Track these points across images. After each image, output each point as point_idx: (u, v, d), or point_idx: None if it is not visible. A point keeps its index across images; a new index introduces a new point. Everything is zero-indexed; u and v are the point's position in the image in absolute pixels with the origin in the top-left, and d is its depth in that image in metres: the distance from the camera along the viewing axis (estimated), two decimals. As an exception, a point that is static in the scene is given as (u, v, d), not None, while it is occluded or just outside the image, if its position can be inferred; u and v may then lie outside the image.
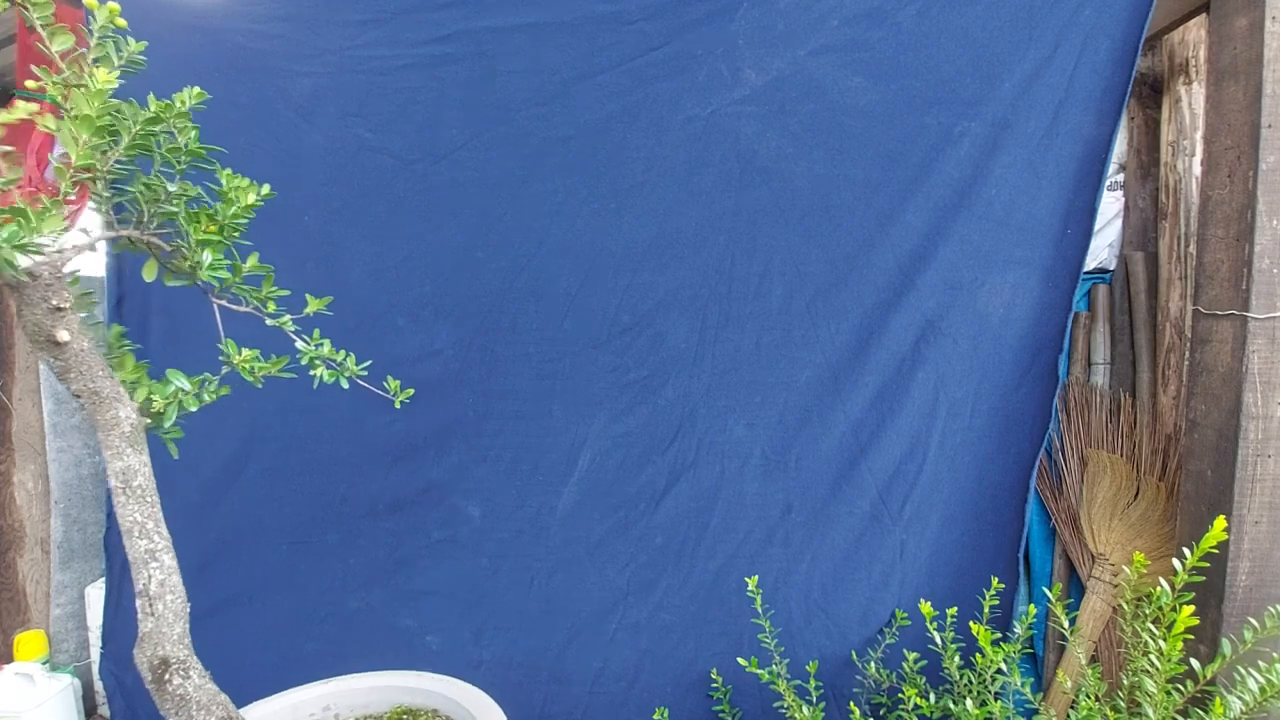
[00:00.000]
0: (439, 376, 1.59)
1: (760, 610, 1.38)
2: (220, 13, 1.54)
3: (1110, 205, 1.56)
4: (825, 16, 1.43)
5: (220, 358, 0.90)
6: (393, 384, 0.97)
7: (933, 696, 1.24)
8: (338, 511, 1.63)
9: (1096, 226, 1.48)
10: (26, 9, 0.61)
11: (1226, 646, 1.00)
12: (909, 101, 1.42)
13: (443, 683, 1.16)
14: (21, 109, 0.64)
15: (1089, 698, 1.14)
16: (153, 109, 0.76)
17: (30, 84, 0.70)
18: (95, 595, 1.94)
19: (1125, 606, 1.15)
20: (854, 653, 1.49)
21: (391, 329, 1.59)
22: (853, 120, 1.44)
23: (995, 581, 1.33)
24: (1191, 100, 1.46)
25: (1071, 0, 1.34)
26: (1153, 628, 1.03)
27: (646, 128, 1.50)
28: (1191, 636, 1.01)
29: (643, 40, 1.49)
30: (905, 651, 1.37)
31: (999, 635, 1.29)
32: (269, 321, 0.90)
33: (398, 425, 1.59)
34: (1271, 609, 0.99)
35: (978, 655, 1.20)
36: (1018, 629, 1.30)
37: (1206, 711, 0.95)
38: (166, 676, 0.82)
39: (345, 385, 0.95)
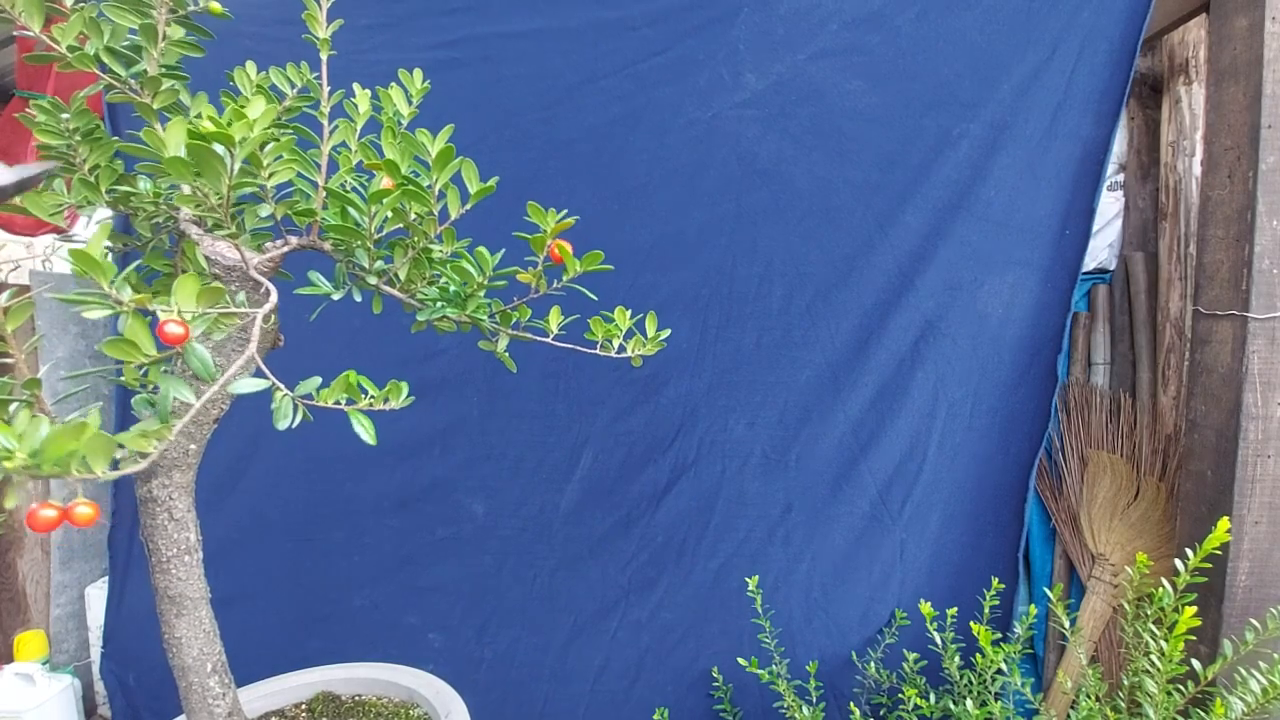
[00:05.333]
0: (444, 375, 1.60)
1: (760, 610, 1.38)
2: (232, 14, 1.56)
3: (1110, 205, 1.57)
4: (824, 21, 1.45)
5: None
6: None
7: (933, 697, 1.24)
8: (343, 509, 1.64)
9: (1097, 227, 1.48)
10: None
11: (1227, 647, 1.00)
12: (908, 104, 1.43)
13: (373, 669, 1.15)
14: None
15: (1089, 698, 1.13)
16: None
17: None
18: (95, 595, 1.94)
19: (1127, 607, 1.15)
20: (854, 653, 1.49)
21: (396, 328, 1.60)
22: (852, 123, 1.45)
23: (995, 582, 1.33)
24: (1191, 100, 1.47)
25: (1069, 3, 1.35)
26: (1154, 628, 1.03)
27: (649, 131, 1.52)
28: (1193, 637, 1.01)
29: (645, 45, 1.51)
30: (905, 652, 1.37)
31: (999, 635, 1.29)
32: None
33: (403, 423, 1.60)
34: (1272, 610, 0.99)
35: (978, 655, 1.20)
36: (1018, 629, 1.29)
37: (1207, 712, 0.95)
38: None
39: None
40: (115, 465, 0.51)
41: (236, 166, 0.55)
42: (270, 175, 0.61)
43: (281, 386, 0.63)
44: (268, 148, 0.59)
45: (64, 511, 0.52)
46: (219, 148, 0.53)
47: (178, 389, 0.57)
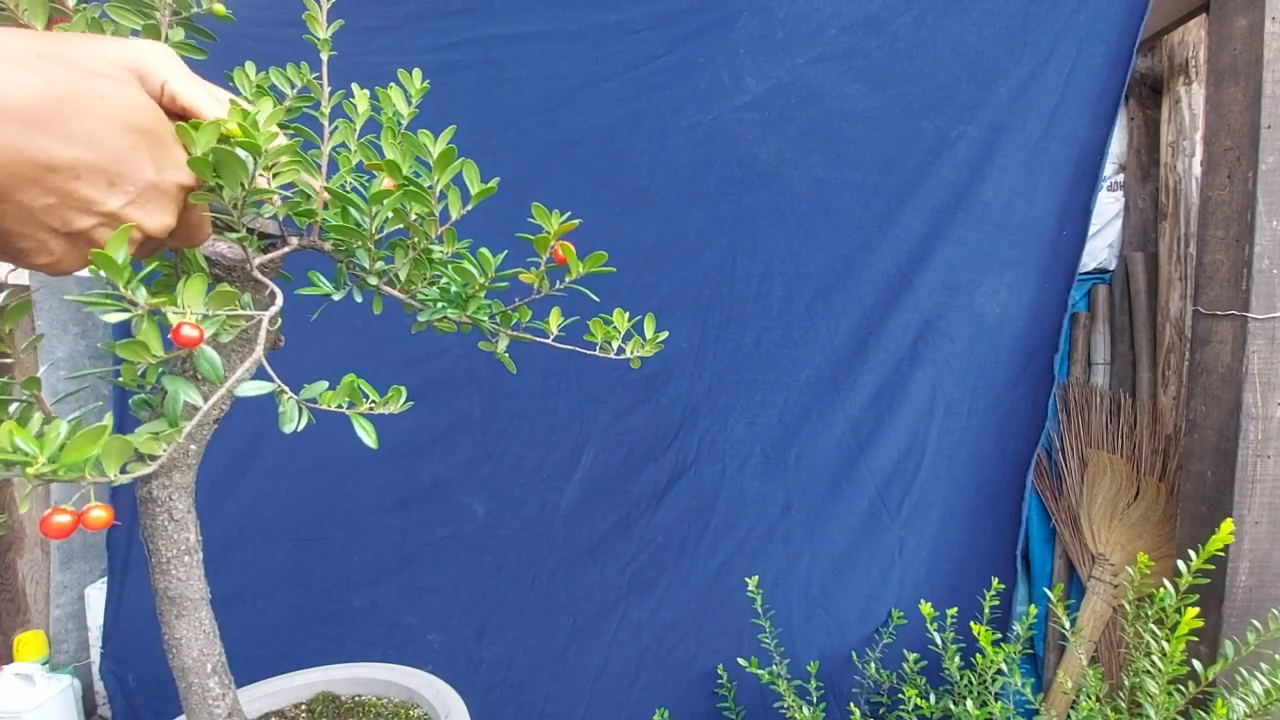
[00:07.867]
0: (446, 375, 1.60)
1: (760, 611, 1.38)
2: (235, 15, 1.57)
3: (1110, 206, 1.57)
4: (823, 25, 1.45)
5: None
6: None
7: (933, 697, 1.24)
8: (344, 509, 1.64)
9: (1097, 227, 1.48)
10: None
11: (1229, 648, 1.00)
12: (906, 107, 1.43)
13: (373, 669, 1.16)
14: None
15: (1089, 698, 1.13)
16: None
17: None
18: (95, 595, 1.94)
19: (1128, 607, 1.15)
20: (854, 653, 1.49)
21: (400, 329, 1.61)
22: (851, 126, 1.46)
23: (995, 581, 1.33)
24: (1191, 100, 1.47)
25: (1067, 5, 1.36)
26: (1155, 629, 1.03)
27: (650, 133, 1.52)
28: (1194, 638, 1.01)
29: (646, 49, 1.51)
30: (905, 652, 1.37)
31: (999, 635, 1.29)
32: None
33: (405, 422, 1.59)
34: (1273, 610, 0.99)
35: (978, 655, 1.20)
36: (1018, 629, 1.29)
37: (1208, 712, 0.95)
38: None
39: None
40: (123, 469, 0.51)
41: (257, 172, 0.55)
42: (276, 176, 0.61)
43: (287, 390, 0.63)
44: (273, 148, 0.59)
45: (78, 516, 0.52)
46: (242, 152, 0.53)
47: (186, 391, 0.57)
